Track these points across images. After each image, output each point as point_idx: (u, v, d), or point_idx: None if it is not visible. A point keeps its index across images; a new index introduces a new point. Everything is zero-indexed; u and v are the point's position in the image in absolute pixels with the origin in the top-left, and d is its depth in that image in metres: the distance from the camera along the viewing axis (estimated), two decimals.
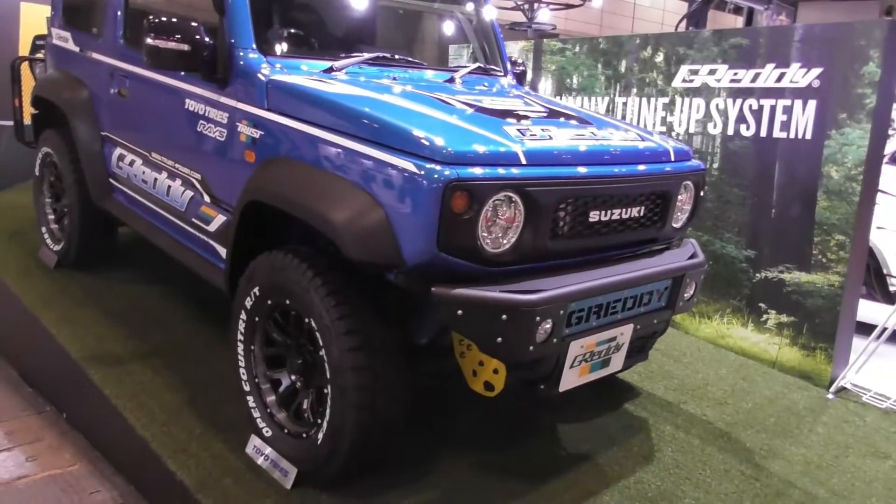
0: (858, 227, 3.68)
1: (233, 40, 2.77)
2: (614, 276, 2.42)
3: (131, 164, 3.58)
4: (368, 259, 2.17)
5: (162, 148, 3.33)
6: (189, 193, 3.13)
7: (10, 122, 5.11)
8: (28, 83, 5.15)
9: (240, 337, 2.64)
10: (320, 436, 2.36)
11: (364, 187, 2.22)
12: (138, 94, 3.50)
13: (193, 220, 3.11)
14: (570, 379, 2.44)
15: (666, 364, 3.79)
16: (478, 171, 2.09)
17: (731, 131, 4.14)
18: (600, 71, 4.89)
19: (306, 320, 2.34)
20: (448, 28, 4.03)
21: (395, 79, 2.95)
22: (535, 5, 15.79)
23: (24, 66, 5.23)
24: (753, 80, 4.00)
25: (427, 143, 2.12)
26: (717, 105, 4.20)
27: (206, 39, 2.77)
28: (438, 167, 2.05)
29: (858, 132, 3.60)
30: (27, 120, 4.64)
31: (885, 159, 4.21)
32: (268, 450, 2.54)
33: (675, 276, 2.66)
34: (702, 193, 2.86)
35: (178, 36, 2.70)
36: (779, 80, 3.88)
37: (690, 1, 12.89)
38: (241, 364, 2.65)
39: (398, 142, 2.18)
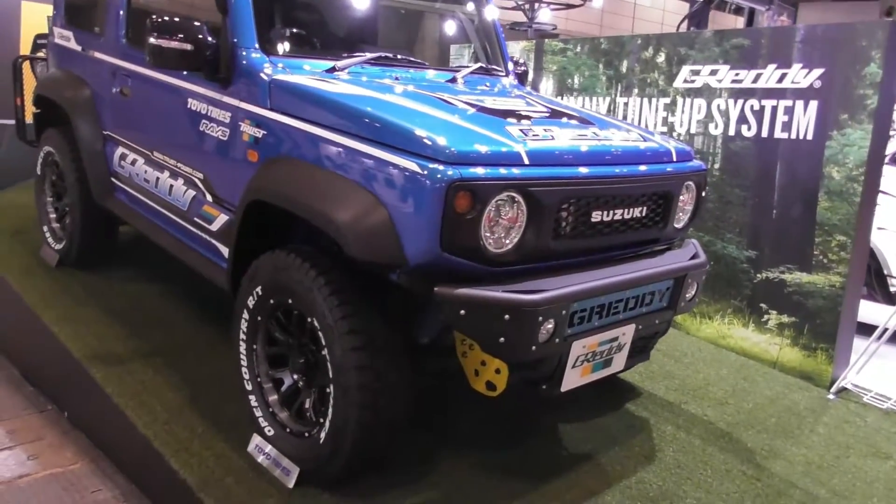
0: (859, 227, 3.68)
1: (235, 40, 2.78)
2: (616, 277, 2.42)
3: (133, 163, 3.59)
4: (371, 258, 2.17)
5: (164, 147, 3.33)
6: (191, 193, 3.13)
7: (12, 121, 5.11)
8: (29, 82, 5.15)
9: (242, 336, 2.64)
10: (322, 435, 2.36)
11: (367, 187, 2.22)
12: (140, 94, 3.50)
13: (195, 219, 3.11)
14: (573, 379, 2.44)
15: (667, 364, 3.80)
16: (480, 171, 2.09)
17: (732, 132, 4.14)
18: (601, 71, 4.89)
19: (309, 320, 2.35)
20: (450, 28, 4.04)
21: (397, 79, 2.95)
22: (536, 5, 15.79)
23: (26, 65, 5.23)
24: (755, 81, 4.01)
25: (430, 143, 2.12)
26: (718, 105, 4.20)
27: (209, 39, 2.77)
28: (441, 167, 2.05)
29: (860, 133, 3.60)
30: (29, 119, 4.64)
31: (886, 160, 4.21)
32: (270, 449, 2.54)
33: (677, 277, 2.66)
34: (703, 194, 2.86)
35: (181, 35, 2.70)
36: (780, 80, 3.89)
37: (691, 1, 12.89)
38: (244, 363, 2.65)
39: (401, 142, 2.18)
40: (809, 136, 3.78)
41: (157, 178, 3.37)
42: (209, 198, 3.02)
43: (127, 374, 3.07)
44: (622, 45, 4.76)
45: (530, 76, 5.09)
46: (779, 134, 3.92)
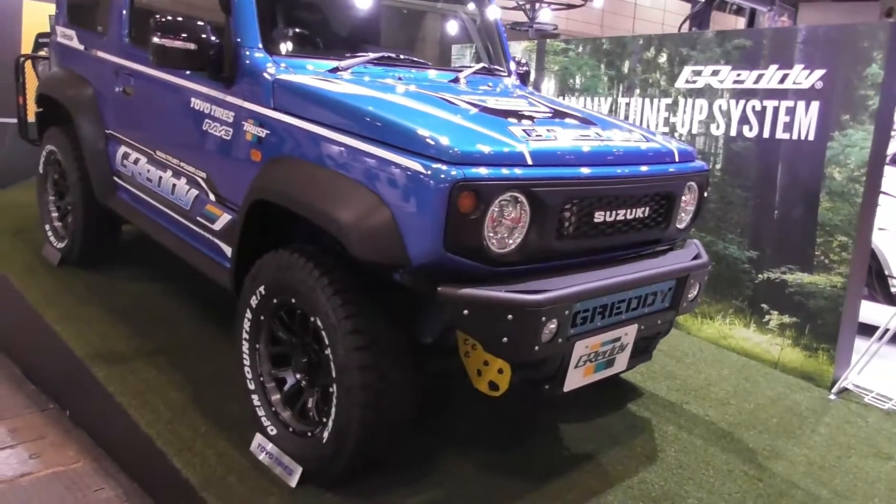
0: (861, 228, 3.69)
1: (239, 39, 2.78)
2: (619, 277, 2.42)
3: (136, 162, 3.59)
4: (374, 258, 2.17)
5: (167, 146, 3.33)
6: (194, 192, 3.14)
7: (14, 120, 5.12)
8: (31, 81, 5.16)
9: (245, 335, 2.65)
10: (325, 434, 2.37)
11: (370, 187, 2.23)
12: (143, 93, 3.50)
13: (198, 218, 3.12)
14: (575, 379, 2.45)
15: (668, 364, 3.80)
16: (484, 171, 2.10)
17: (733, 132, 4.15)
18: (603, 71, 4.89)
19: (312, 319, 2.35)
20: (452, 28, 4.04)
21: (400, 79, 2.96)
22: (537, 5, 15.80)
23: (28, 65, 5.23)
24: (756, 82, 4.01)
25: (433, 143, 2.12)
26: (720, 106, 4.20)
27: (213, 38, 2.77)
28: (445, 167, 2.06)
29: (861, 134, 3.60)
30: (31, 117, 4.65)
31: (888, 161, 4.21)
32: (272, 448, 2.55)
33: (679, 277, 2.66)
34: (705, 194, 2.87)
35: (185, 35, 2.71)
36: (782, 81, 3.89)
37: (693, 1, 12.90)
38: (246, 362, 2.66)
39: (404, 141, 2.19)
40: (811, 137, 3.79)
41: (160, 178, 3.37)
42: (212, 197, 3.03)
43: (129, 373, 3.07)
44: (624, 46, 4.77)
45: (532, 76, 5.09)
46: (780, 134, 3.92)
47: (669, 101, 4.47)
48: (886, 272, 5.02)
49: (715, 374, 3.79)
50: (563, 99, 5.06)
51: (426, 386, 2.62)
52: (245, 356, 2.66)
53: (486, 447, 2.82)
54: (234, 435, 2.69)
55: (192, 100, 3.05)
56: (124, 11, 3.67)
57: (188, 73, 3.03)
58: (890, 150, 4.39)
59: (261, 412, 2.61)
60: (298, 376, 2.59)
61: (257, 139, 2.69)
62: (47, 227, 4.36)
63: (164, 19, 2.70)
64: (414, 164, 2.10)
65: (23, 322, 3.85)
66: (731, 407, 3.40)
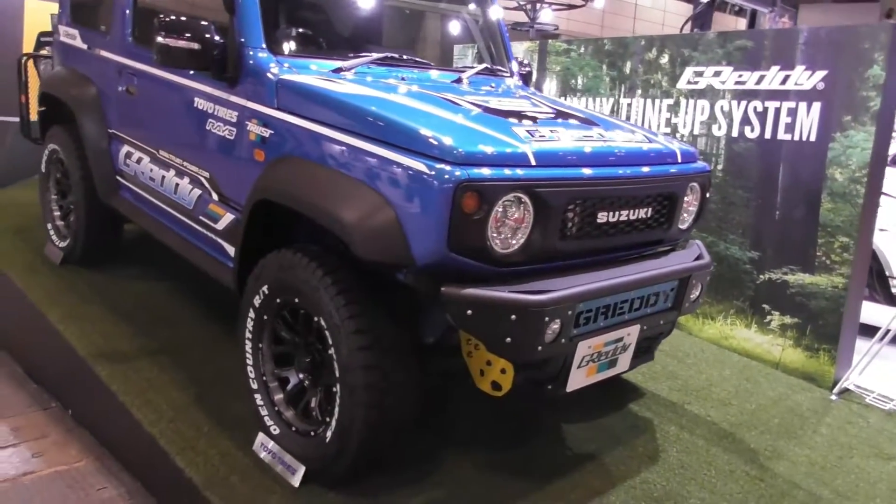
0: (862, 229, 3.69)
1: (243, 39, 2.78)
2: (622, 277, 2.43)
3: (139, 161, 3.60)
4: (378, 258, 2.18)
5: (170, 146, 3.34)
6: (197, 191, 3.14)
7: (16, 119, 5.13)
8: (33, 80, 5.17)
9: (248, 335, 2.65)
10: (328, 434, 2.37)
11: (374, 187, 2.23)
12: (147, 92, 3.51)
13: (201, 218, 3.12)
14: (578, 379, 2.45)
15: (670, 365, 3.81)
16: (487, 171, 2.10)
17: (735, 133, 4.15)
18: (605, 72, 4.90)
19: (315, 319, 2.36)
20: (454, 28, 4.04)
21: (402, 79, 2.96)
22: (538, 6, 15.80)
23: (30, 64, 5.25)
24: (758, 83, 4.01)
25: (437, 144, 2.13)
26: (721, 107, 4.21)
27: (216, 38, 2.78)
28: (449, 167, 2.06)
29: (862, 135, 3.61)
30: (33, 116, 4.65)
31: (889, 162, 4.22)
32: (275, 447, 2.55)
33: (682, 278, 2.67)
34: (707, 195, 2.87)
35: (189, 35, 2.72)
36: (783, 82, 3.89)
37: (694, 2, 12.91)
38: (249, 362, 2.66)
39: (408, 142, 2.19)
40: (812, 138, 3.79)
41: (163, 177, 3.38)
42: (215, 197, 3.03)
43: (132, 372, 3.08)
44: (626, 46, 4.77)
45: (534, 77, 5.09)
46: (782, 135, 3.93)
47: (671, 101, 4.48)
48: (887, 273, 5.02)
49: (716, 374, 3.80)
50: (565, 99, 5.06)
51: (429, 386, 2.62)
52: (248, 355, 2.66)
53: (488, 447, 2.82)
54: (236, 434, 2.70)
55: (196, 99, 3.05)
56: (128, 11, 3.67)
57: (192, 72, 3.04)
58: (891, 152, 4.40)
59: (264, 411, 2.61)
60: (301, 376, 2.59)
61: (261, 139, 2.69)
62: (49, 226, 4.36)
63: (167, 19, 2.71)
64: (418, 165, 2.11)
65: (25, 321, 3.85)
66: (732, 407, 3.41)
